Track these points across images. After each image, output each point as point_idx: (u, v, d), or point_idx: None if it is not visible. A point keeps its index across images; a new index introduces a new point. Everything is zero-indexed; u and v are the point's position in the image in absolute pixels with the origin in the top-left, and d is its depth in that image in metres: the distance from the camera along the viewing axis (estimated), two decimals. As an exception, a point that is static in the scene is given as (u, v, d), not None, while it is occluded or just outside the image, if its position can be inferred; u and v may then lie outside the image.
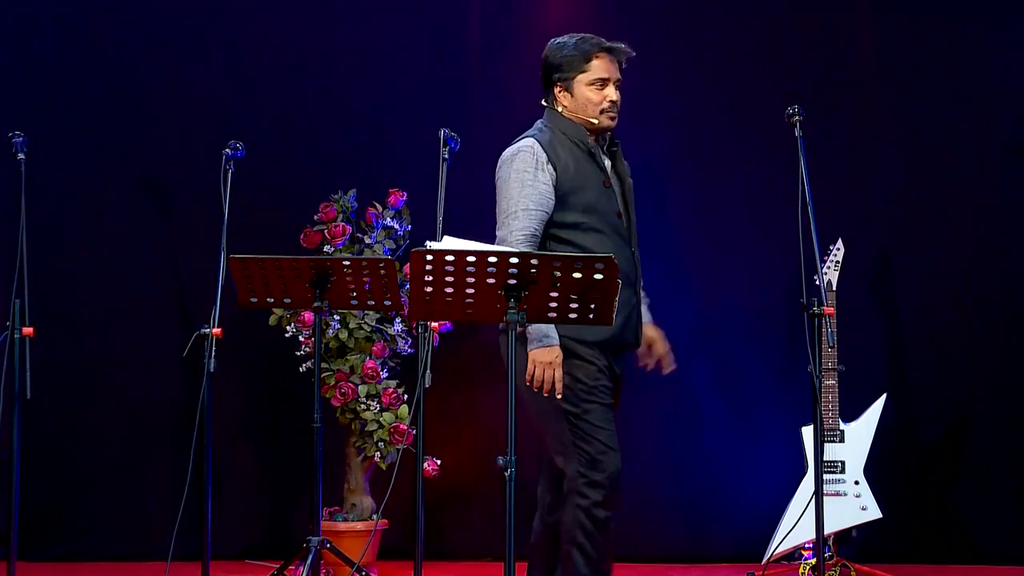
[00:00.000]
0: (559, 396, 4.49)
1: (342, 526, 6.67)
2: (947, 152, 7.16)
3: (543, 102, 4.82)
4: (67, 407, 7.19)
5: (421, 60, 7.37)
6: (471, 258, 4.02)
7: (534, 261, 4.03)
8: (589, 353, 4.59)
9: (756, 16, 7.28)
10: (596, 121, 4.65)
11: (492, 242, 4.58)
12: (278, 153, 7.22)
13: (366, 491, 6.83)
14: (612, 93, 4.66)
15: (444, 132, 5.57)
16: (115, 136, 7.29)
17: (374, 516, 6.72)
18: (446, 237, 4.24)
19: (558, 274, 4.05)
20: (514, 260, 4.03)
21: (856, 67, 7.25)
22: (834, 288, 6.33)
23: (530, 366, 4.48)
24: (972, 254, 7.12)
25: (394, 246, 6.73)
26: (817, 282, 5.40)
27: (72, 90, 7.31)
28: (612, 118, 4.67)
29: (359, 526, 6.69)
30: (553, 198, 4.60)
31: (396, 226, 6.73)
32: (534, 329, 4.46)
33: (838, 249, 6.40)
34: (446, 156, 5.54)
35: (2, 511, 6.28)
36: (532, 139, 4.67)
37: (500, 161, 4.73)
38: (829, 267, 6.31)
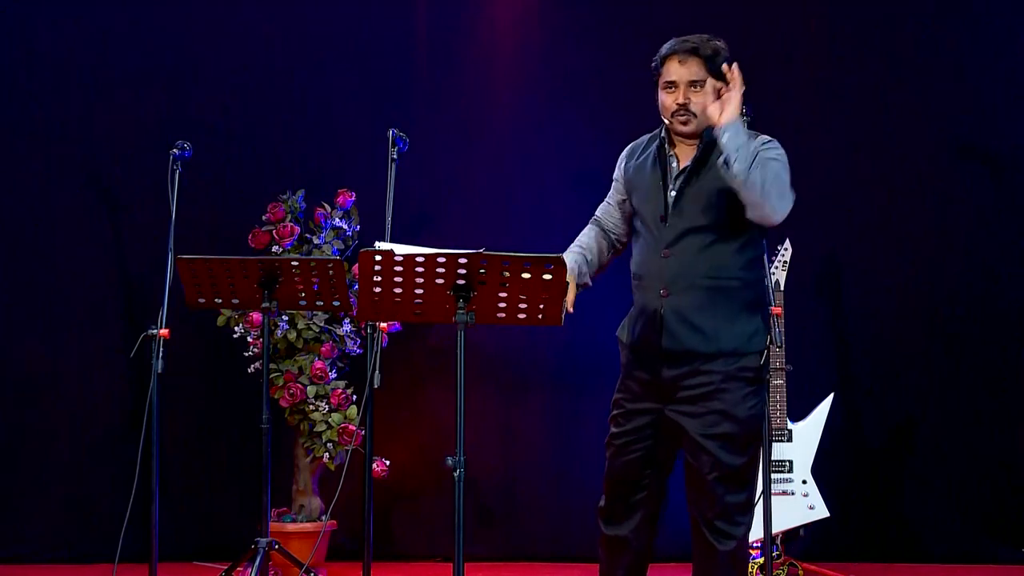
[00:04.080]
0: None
1: (291, 527, 6.65)
2: (895, 153, 7.20)
3: None
4: (13, 408, 7.12)
5: (370, 60, 7.34)
6: (420, 258, 4.02)
7: (483, 262, 4.03)
8: (626, 361, 4.68)
9: (698, 11, 7.27)
10: (668, 123, 4.58)
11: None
12: (226, 153, 7.18)
13: (315, 492, 6.81)
14: (680, 96, 4.53)
15: (393, 132, 5.58)
16: (61, 135, 7.21)
17: (323, 517, 6.70)
18: (393, 245, 4.23)
19: (507, 275, 4.06)
20: (463, 260, 4.03)
21: (806, 66, 7.28)
22: (782, 288, 6.34)
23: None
24: (919, 255, 7.16)
25: (343, 246, 6.71)
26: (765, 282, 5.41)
27: (17, 89, 7.24)
28: (683, 121, 4.53)
29: (308, 527, 6.68)
30: (621, 192, 4.74)
31: (345, 226, 6.71)
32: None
33: (786, 249, 6.42)
34: (395, 156, 5.55)
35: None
36: (637, 139, 4.80)
37: None
38: (777, 267, 6.33)
